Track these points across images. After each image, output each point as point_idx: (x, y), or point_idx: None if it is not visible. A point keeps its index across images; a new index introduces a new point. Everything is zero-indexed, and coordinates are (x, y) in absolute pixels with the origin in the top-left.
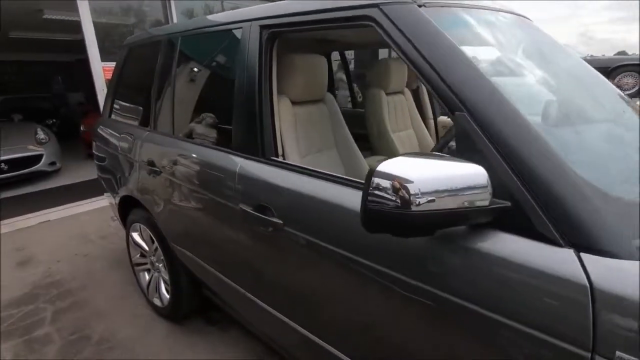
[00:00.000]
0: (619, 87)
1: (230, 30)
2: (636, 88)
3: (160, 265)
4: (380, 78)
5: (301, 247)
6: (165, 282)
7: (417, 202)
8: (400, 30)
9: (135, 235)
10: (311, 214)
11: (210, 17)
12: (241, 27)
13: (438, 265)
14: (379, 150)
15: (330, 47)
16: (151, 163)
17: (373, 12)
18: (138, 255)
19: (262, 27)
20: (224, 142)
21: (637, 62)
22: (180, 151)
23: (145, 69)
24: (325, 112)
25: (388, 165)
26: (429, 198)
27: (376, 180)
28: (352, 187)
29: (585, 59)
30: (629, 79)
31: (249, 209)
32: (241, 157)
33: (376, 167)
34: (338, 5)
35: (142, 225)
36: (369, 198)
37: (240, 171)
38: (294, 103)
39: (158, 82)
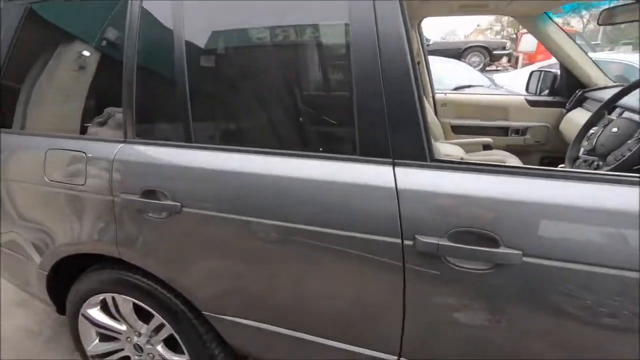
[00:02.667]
0: (469, 64)
1: None
2: (481, 65)
3: (159, 347)
4: None
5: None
6: None
7: None
8: None
9: (95, 313)
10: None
11: None
12: None
13: None
14: None
15: None
16: (155, 195)
17: None
18: (96, 341)
19: None
20: (338, 146)
21: (482, 45)
22: (242, 168)
23: (90, 41)
24: None
25: None
26: None
27: None
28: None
29: (440, 42)
30: (475, 58)
31: (449, 243)
32: (392, 165)
33: None
34: None
35: (116, 296)
36: None
37: (406, 186)
38: None
39: (136, 62)
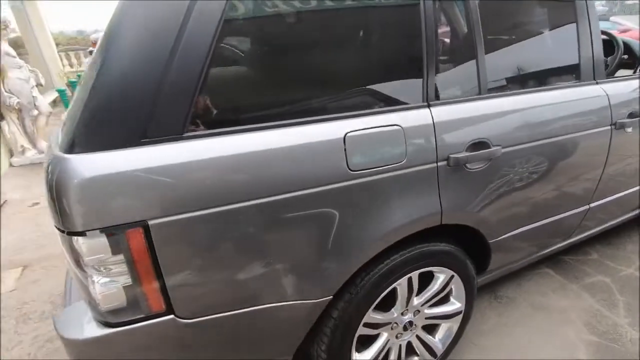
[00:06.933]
0: None
1: None
2: None
3: (426, 310)
4: None
5: None
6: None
7: None
8: None
9: (376, 315)
10: None
11: None
12: None
13: None
14: None
15: None
16: (481, 145)
17: None
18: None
19: None
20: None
21: None
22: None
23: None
24: None
25: None
26: None
27: None
28: None
29: None
30: None
31: None
32: None
33: None
34: None
35: (413, 275)
36: None
37: None
38: None
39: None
